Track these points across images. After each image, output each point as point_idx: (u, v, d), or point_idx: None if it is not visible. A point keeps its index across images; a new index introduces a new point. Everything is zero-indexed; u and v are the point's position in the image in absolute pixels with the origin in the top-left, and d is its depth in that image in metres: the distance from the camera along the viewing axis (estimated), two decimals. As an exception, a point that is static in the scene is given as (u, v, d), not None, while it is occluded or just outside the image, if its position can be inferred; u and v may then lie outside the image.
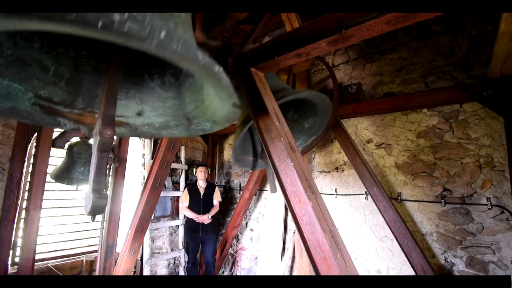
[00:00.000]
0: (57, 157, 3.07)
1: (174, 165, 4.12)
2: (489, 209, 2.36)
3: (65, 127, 1.11)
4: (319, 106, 1.95)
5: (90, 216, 0.90)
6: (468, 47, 2.61)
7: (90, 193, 0.85)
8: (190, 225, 3.84)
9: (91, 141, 2.88)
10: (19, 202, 2.80)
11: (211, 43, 1.50)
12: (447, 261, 2.55)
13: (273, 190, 1.97)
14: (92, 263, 3.45)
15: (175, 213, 4.27)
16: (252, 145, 2.19)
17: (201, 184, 3.93)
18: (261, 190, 4.21)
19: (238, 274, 4.30)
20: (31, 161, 2.80)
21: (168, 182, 4.16)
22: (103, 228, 3.17)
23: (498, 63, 1.90)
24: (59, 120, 1.07)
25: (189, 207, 3.81)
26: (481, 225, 2.41)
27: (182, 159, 4.35)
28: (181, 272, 4.08)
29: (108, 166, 2.90)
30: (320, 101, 1.89)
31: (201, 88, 1.09)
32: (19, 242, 2.68)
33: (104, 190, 0.89)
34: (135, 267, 3.73)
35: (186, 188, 3.97)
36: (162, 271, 4.14)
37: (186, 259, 4.07)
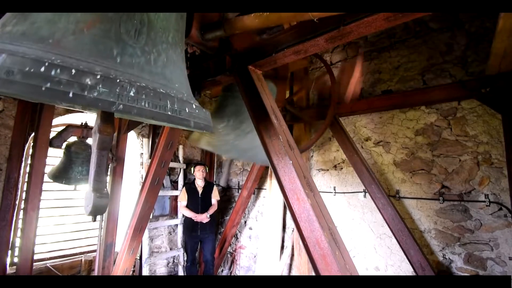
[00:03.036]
0: (54, 157, 3.06)
1: (172, 164, 4.12)
2: (487, 206, 2.37)
3: None
4: None
5: (90, 217, 0.87)
6: (466, 44, 2.61)
7: (90, 193, 0.83)
8: (188, 224, 3.83)
9: (89, 140, 2.88)
10: (17, 202, 2.78)
11: (208, 43, 1.49)
12: (446, 258, 2.57)
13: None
14: (91, 263, 3.44)
15: (173, 212, 4.27)
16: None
17: (199, 183, 3.92)
18: (259, 188, 4.21)
19: (237, 272, 4.30)
20: (29, 161, 2.79)
21: (166, 181, 4.15)
22: (101, 227, 3.17)
23: (496, 60, 1.90)
24: None
25: (187, 206, 3.81)
26: (479, 222, 2.42)
27: (181, 158, 4.34)
28: (180, 271, 4.08)
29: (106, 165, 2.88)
30: None
31: None
32: (18, 242, 2.67)
33: (105, 189, 0.87)
34: (134, 266, 3.73)
35: (184, 187, 3.97)
36: (161, 270, 4.14)
37: (185, 258, 4.07)
